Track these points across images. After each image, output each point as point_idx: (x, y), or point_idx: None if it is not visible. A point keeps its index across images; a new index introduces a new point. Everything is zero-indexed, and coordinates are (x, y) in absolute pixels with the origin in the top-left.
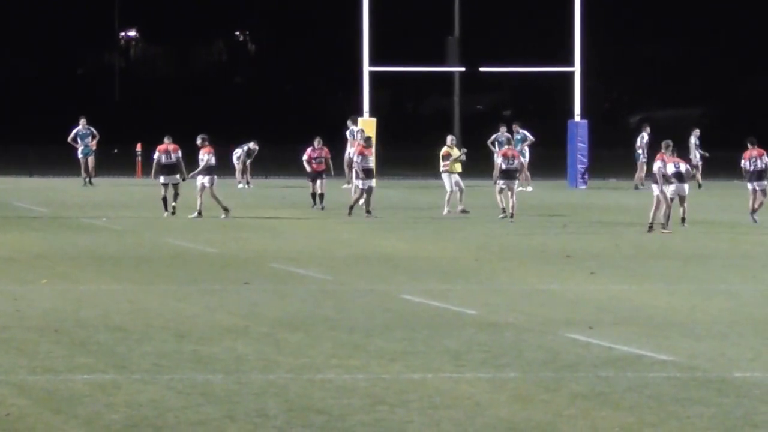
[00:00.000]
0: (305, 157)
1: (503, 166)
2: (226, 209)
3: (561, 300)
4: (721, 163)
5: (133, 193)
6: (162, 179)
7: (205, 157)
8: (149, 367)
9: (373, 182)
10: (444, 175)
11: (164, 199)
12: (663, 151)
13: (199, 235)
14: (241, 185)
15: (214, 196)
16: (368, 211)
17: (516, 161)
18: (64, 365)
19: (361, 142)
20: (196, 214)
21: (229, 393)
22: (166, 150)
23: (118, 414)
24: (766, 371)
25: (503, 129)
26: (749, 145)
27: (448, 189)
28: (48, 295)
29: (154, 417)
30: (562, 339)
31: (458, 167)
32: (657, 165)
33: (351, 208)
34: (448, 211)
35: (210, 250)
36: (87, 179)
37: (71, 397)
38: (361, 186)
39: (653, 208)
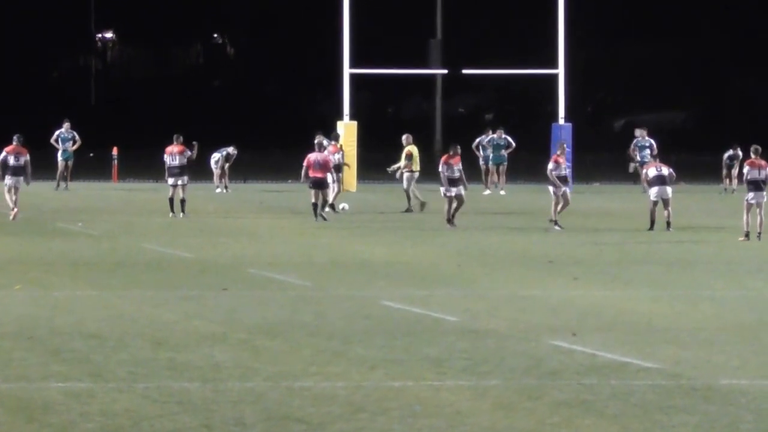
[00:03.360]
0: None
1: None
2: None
3: (543, 306)
4: (705, 167)
5: (109, 197)
6: (170, 180)
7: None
8: (125, 375)
9: (461, 190)
10: (408, 175)
11: (171, 201)
12: (558, 152)
13: (177, 240)
14: (219, 189)
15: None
16: (449, 220)
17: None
18: (38, 373)
19: (450, 151)
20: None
21: (206, 401)
22: (172, 151)
23: (93, 423)
24: (753, 379)
25: (489, 132)
26: (753, 154)
27: (412, 188)
28: (22, 302)
29: (130, 426)
30: (545, 346)
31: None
32: (550, 167)
33: (448, 219)
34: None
35: (187, 256)
36: (63, 184)
37: (45, 406)
38: (447, 194)
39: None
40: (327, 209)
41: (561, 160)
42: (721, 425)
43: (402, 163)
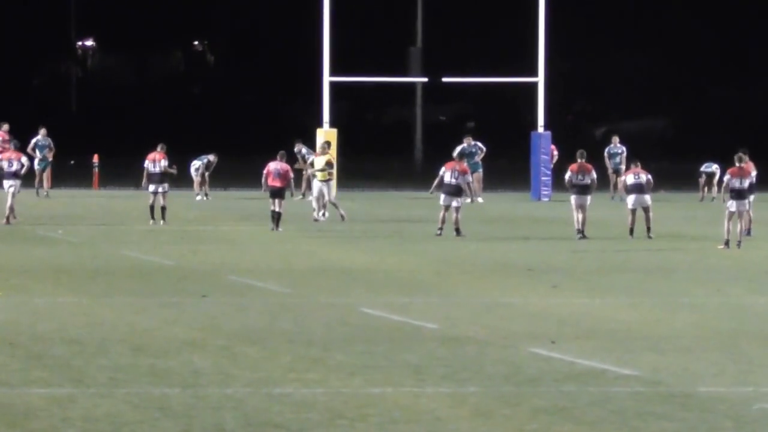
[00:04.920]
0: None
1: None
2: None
3: (523, 314)
4: (685, 174)
5: (89, 204)
6: (150, 187)
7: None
8: (106, 380)
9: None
10: (331, 183)
11: (151, 208)
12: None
13: (157, 247)
14: (199, 197)
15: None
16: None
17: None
18: (20, 379)
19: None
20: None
21: (186, 407)
22: (154, 158)
23: (74, 428)
24: (731, 386)
25: (468, 140)
26: (738, 162)
27: (332, 195)
28: (3, 308)
29: (111, 431)
30: (524, 353)
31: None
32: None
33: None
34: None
35: (167, 263)
36: (44, 192)
37: (27, 411)
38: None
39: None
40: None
41: (575, 168)
42: None
43: (324, 169)
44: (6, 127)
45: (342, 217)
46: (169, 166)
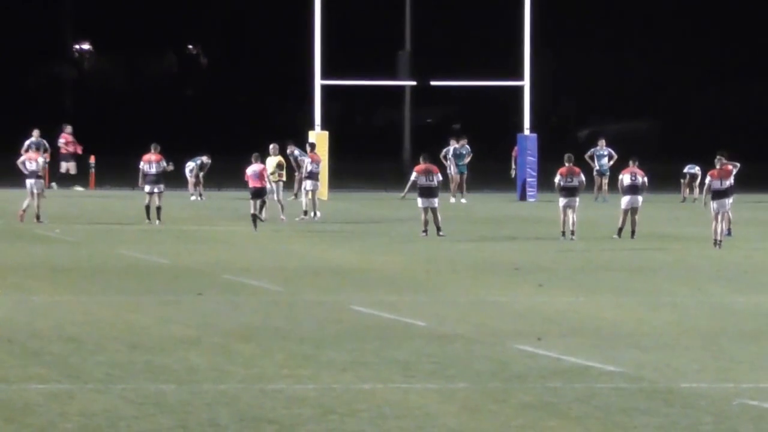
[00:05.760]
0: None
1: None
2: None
3: (509, 311)
4: (668, 176)
5: (86, 204)
6: (146, 188)
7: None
8: (102, 377)
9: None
10: (280, 185)
11: (147, 208)
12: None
13: (153, 246)
14: (193, 197)
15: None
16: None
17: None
18: (18, 375)
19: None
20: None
21: (182, 403)
22: (150, 159)
23: (71, 423)
24: (712, 382)
25: (453, 142)
26: (718, 164)
27: (283, 198)
28: (2, 306)
29: (107, 426)
30: (511, 350)
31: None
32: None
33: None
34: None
35: (163, 262)
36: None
37: (25, 407)
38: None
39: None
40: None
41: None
42: (682, 427)
43: (275, 171)
44: (69, 129)
45: (282, 219)
46: (167, 163)
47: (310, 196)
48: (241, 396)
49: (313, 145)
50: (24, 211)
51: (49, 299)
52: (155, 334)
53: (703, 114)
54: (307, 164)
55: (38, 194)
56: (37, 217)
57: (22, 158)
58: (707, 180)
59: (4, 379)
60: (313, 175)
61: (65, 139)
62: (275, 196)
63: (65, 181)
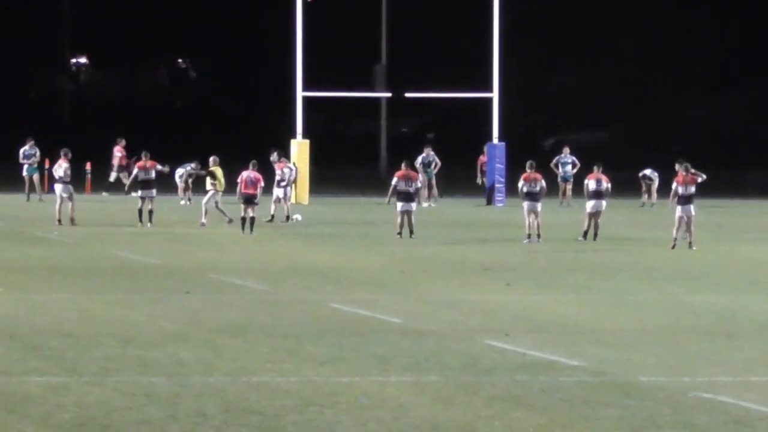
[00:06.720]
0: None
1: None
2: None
3: (479, 309)
4: (627, 182)
5: (82, 208)
6: (139, 193)
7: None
8: (97, 370)
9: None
10: (218, 195)
11: (140, 212)
12: (528, 170)
13: (144, 247)
14: (183, 202)
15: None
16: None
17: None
18: (18, 368)
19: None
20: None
21: (171, 395)
22: (144, 166)
23: (68, 414)
24: (670, 376)
25: (428, 150)
26: (684, 171)
27: (217, 205)
28: (3, 303)
29: (102, 417)
30: (481, 345)
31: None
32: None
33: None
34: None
35: (154, 262)
36: (37, 197)
37: (24, 398)
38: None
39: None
40: (282, 222)
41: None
42: (641, 418)
43: (209, 181)
44: (123, 142)
45: (202, 224)
46: (161, 165)
47: (281, 203)
48: (228, 388)
49: (279, 154)
50: (60, 215)
51: (48, 297)
52: (146, 330)
53: (662, 123)
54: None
55: (67, 198)
56: (72, 220)
57: (54, 166)
58: (673, 185)
59: (5, 372)
60: (279, 183)
61: (120, 153)
62: (214, 204)
63: (116, 189)
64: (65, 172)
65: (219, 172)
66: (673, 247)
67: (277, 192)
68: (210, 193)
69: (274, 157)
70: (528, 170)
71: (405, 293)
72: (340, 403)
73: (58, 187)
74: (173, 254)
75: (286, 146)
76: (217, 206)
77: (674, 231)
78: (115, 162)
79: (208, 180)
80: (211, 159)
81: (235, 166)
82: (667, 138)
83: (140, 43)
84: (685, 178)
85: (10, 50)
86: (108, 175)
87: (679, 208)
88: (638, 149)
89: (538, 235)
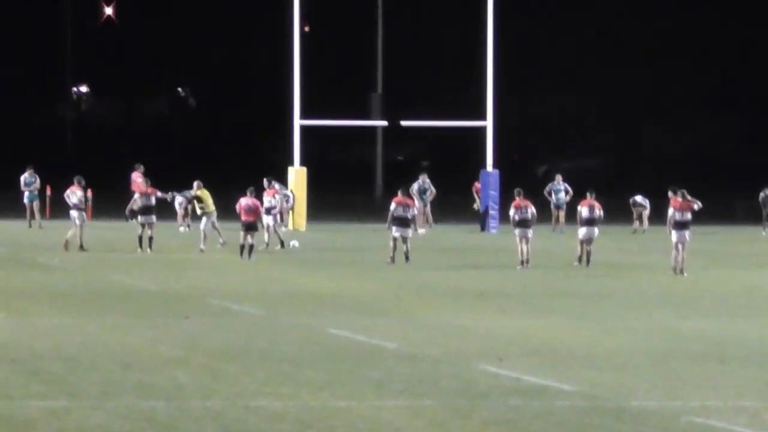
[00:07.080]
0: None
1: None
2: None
3: (473, 334)
4: (618, 209)
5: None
6: (139, 219)
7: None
8: (97, 394)
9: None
10: (205, 217)
11: (139, 238)
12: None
13: (144, 273)
14: (182, 228)
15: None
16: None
17: (411, 209)
18: (20, 392)
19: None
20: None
21: (171, 419)
22: (145, 192)
23: None
24: (661, 401)
25: (423, 177)
26: (680, 197)
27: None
28: (5, 328)
29: None
30: (475, 370)
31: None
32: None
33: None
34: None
35: (153, 287)
36: (37, 224)
37: (26, 422)
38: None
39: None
40: (278, 248)
41: (517, 204)
42: None
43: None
44: (141, 168)
45: (201, 250)
46: (163, 193)
47: (272, 230)
48: (226, 412)
49: (270, 181)
50: (68, 240)
51: (49, 322)
52: (146, 355)
53: (652, 151)
54: (280, 199)
55: (80, 225)
56: (81, 246)
57: (67, 192)
58: (670, 211)
59: (6, 396)
60: (269, 211)
61: (140, 178)
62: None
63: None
64: (80, 200)
65: (205, 193)
66: (674, 272)
67: (267, 219)
68: (204, 219)
69: (265, 184)
70: (517, 197)
71: (400, 318)
72: (337, 427)
73: (73, 214)
74: (173, 280)
75: (283, 174)
76: (213, 226)
77: (672, 257)
78: (136, 189)
79: (197, 205)
80: (195, 184)
81: (234, 193)
82: (658, 165)
83: (140, 71)
84: (681, 204)
85: (12, 78)
86: (132, 201)
87: (675, 234)
88: (629, 177)
89: (527, 261)
